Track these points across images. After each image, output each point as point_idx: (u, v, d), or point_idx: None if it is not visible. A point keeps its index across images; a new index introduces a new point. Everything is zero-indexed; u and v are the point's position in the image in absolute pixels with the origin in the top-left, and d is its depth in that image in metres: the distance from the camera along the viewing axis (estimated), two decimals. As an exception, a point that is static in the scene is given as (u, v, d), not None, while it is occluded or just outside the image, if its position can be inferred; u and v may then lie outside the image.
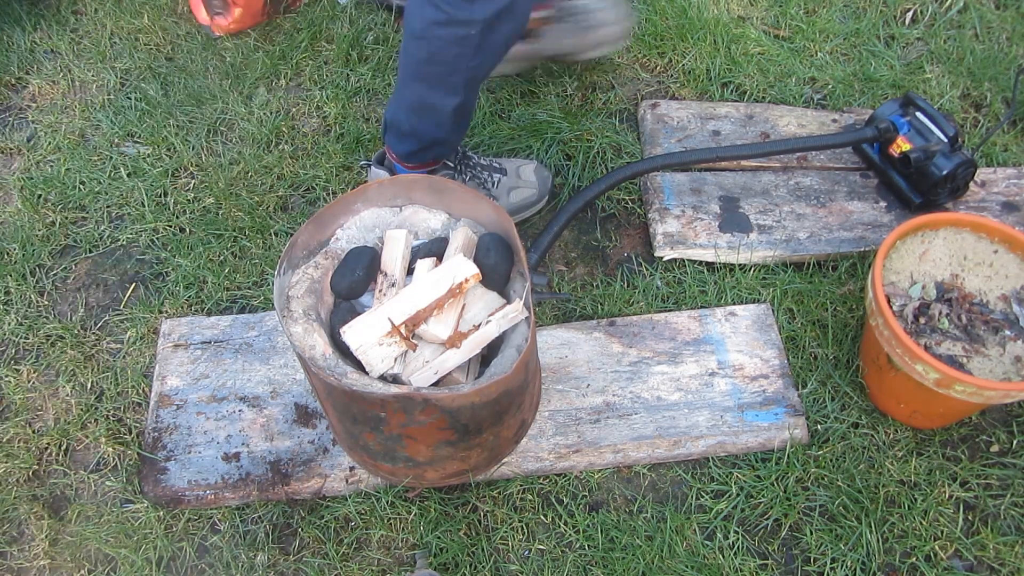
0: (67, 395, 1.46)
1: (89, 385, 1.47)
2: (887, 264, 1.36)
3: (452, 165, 1.59)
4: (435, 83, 1.35)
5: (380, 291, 1.21)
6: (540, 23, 1.79)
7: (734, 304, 1.53)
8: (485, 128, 1.81)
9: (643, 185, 1.69)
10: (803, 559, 1.29)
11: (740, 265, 1.59)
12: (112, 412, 1.44)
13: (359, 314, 1.17)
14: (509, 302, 1.21)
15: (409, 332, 1.14)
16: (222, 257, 1.63)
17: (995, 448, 1.39)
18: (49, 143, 1.82)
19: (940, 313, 1.32)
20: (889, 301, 1.31)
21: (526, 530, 1.31)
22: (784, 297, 1.54)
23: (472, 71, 1.34)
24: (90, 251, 1.66)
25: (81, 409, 1.44)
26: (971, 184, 1.65)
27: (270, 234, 1.65)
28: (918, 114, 1.61)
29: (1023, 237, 1.35)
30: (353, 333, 1.13)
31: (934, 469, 1.35)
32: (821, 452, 1.36)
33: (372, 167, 1.58)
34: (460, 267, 1.16)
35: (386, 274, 1.22)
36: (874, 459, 1.36)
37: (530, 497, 1.34)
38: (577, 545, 1.30)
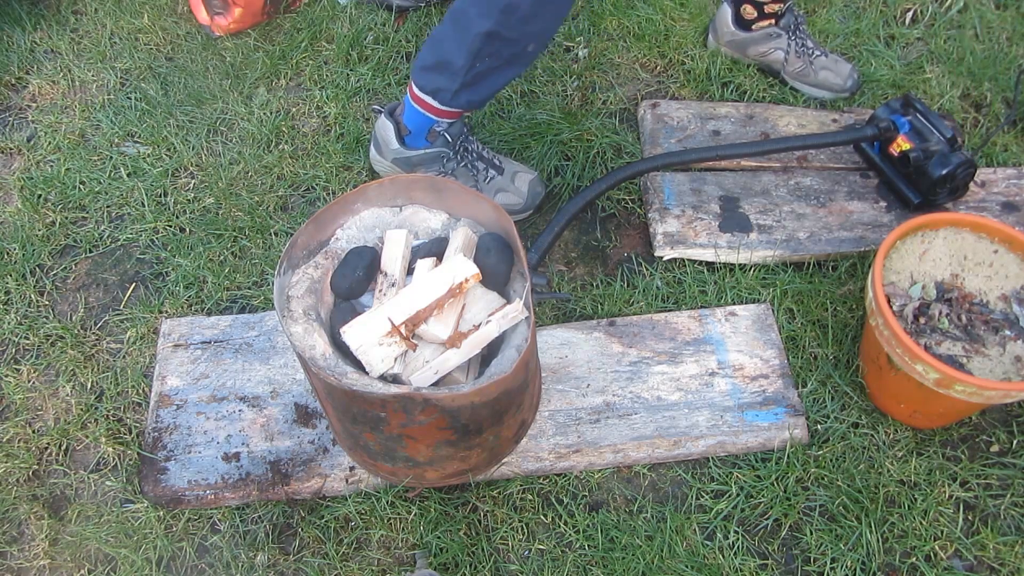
0: (67, 395, 1.46)
1: (89, 385, 1.47)
2: (887, 264, 1.36)
3: (450, 141, 1.60)
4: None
5: (380, 291, 1.21)
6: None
7: (734, 304, 1.53)
8: (485, 127, 1.81)
9: (643, 185, 1.69)
10: (803, 559, 1.29)
11: (740, 265, 1.59)
12: (112, 412, 1.44)
13: (359, 314, 1.17)
14: (509, 302, 1.21)
15: (409, 332, 1.14)
16: (222, 257, 1.63)
17: (995, 448, 1.39)
18: (49, 143, 1.82)
19: (940, 313, 1.32)
20: (889, 301, 1.31)
21: (526, 530, 1.31)
22: (784, 297, 1.54)
23: (510, 2, 1.34)
24: (90, 251, 1.66)
25: (81, 409, 1.44)
26: (971, 184, 1.65)
27: (270, 234, 1.66)
28: (918, 114, 1.62)
29: (1023, 237, 1.35)
30: (353, 333, 1.13)
31: (934, 469, 1.35)
32: (821, 452, 1.36)
33: (382, 115, 1.63)
34: (460, 267, 1.16)
35: (386, 274, 1.22)
36: (874, 459, 1.36)
37: (530, 497, 1.34)
38: (577, 545, 1.30)
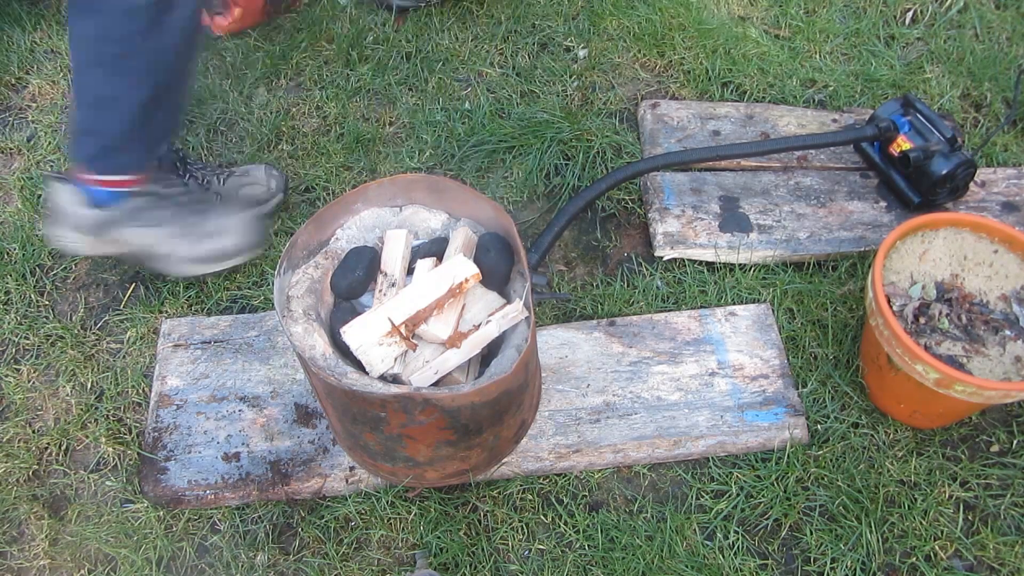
0: (67, 395, 1.46)
1: (89, 385, 1.47)
2: (887, 264, 1.36)
3: (176, 165, 1.52)
4: (114, 69, 1.18)
5: (380, 291, 1.21)
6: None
7: (734, 304, 1.53)
8: (485, 127, 1.80)
9: (643, 185, 1.69)
10: (803, 559, 1.29)
11: (740, 265, 1.59)
12: (112, 412, 1.44)
13: (359, 314, 1.17)
14: (509, 302, 1.21)
15: (409, 332, 1.14)
16: (222, 257, 1.63)
17: (995, 448, 1.39)
18: (49, 143, 1.82)
19: (940, 313, 1.32)
20: (889, 301, 1.31)
21: (526, 530, 1.31)
22: (784, 297, 1.54)
23: (156, 55, 1.19)
24: (90, 251, 1.66)
25: (81, 409, 1.44)
26: (971, 184, 1.65)
27: (270, 234, 1.65)
28: (918, 114, 1.62)
29: (1023, 237, 1.35)
30: (353, 333, 1.13)
31: (934, 469, 1.35)
32: (821, 452, 1.36)
33: (53, 182, 1.37)
34: (460, 267, 1.16)
35: (386, 274, 1.22)
36: (874, 459, 1.36)
37: (530, 497, 1.34)
38: (577, 545, 1.30)
